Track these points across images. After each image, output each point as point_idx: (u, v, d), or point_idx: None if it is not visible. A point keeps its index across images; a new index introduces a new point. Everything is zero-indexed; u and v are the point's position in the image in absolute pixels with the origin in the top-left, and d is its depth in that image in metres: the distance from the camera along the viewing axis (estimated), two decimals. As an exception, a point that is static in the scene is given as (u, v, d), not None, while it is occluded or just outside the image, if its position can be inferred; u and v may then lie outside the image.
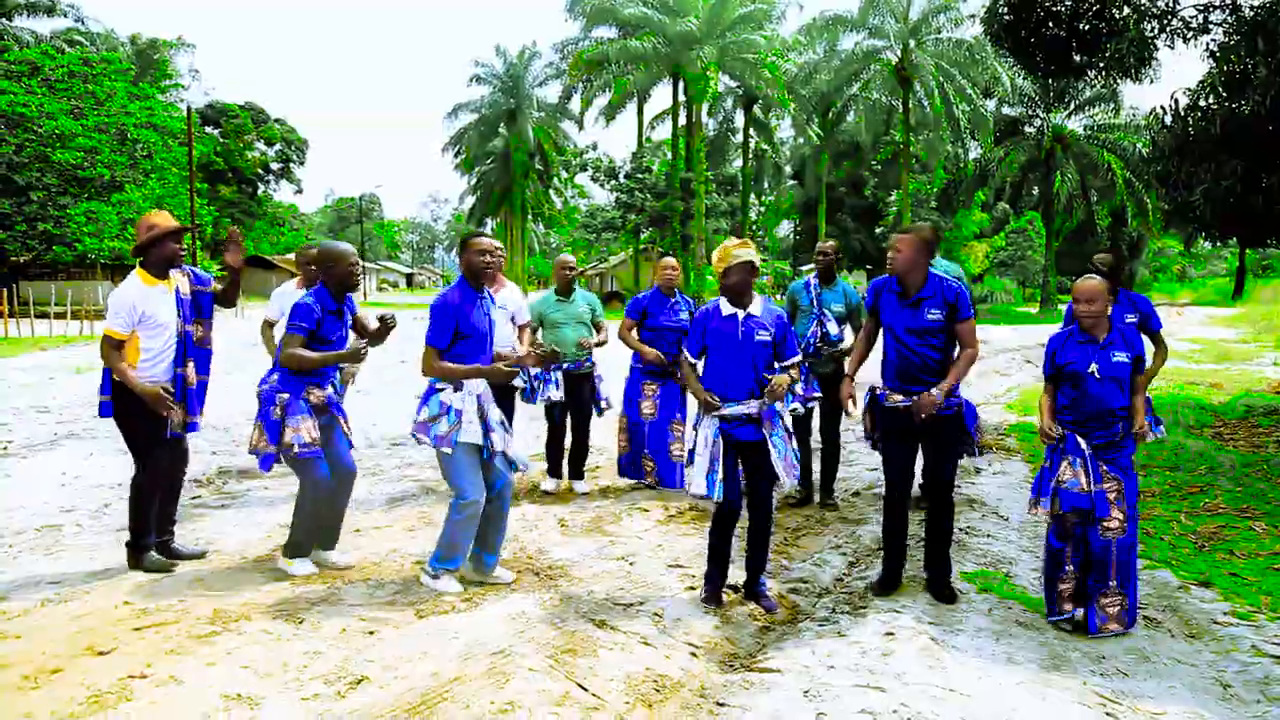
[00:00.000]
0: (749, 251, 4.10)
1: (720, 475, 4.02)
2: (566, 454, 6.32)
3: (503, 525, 4.37)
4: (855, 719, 3.05)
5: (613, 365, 7.04)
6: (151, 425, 4.34)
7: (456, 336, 4.11)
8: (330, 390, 4.50)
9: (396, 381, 11.95)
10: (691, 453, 4.11)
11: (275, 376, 4.33)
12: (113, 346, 4.26)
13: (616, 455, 6.29)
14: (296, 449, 4.21)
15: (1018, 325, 28.24)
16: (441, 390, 4.14)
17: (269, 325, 6.03)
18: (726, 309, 4.12)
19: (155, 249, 4.39)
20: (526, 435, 7.60)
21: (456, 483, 4.13)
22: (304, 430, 4.23)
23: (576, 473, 6.32)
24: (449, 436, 4.06)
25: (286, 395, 4.27)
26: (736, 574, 4.31)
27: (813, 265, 6.05)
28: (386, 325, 4.45)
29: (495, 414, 4.25)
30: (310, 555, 4.49)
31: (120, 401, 4.32)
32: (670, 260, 6.21)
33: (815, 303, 5.76)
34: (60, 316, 22.66)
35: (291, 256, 46.11)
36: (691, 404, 6.11)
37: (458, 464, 4.10)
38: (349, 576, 4.39)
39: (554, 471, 6.29)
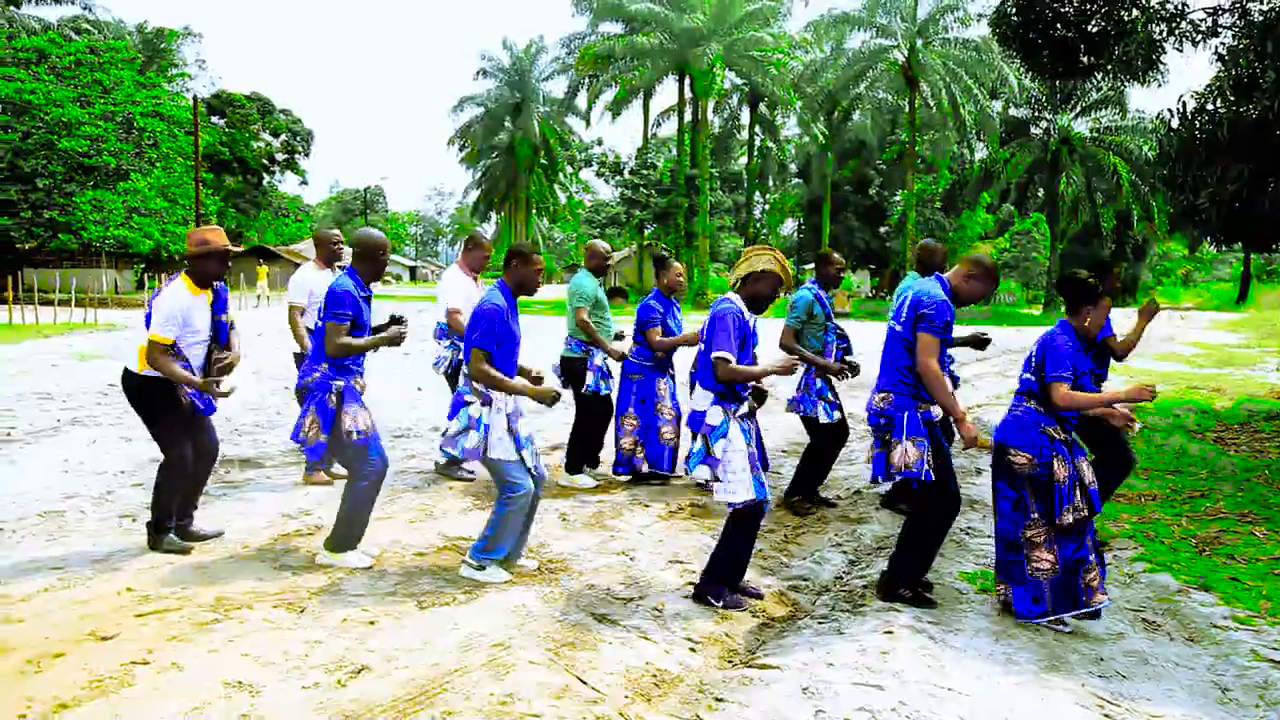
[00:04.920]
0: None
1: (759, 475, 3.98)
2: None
3: (531, 521, 4.42)
4: (854, 716, 3.04)
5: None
6: (174, 415, 4.45)
7: (500, 347, 4.14)
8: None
9: (399, 374, 11.95)
10: (709, 459, 3.91)
11: (325, 365, 4.30)
12: (161, 351, 4.30)
13: (616, 454, 6.26)
14: (355, 436, 4.24)
15: (1021, 327, 28.19)
16: (470, 404, 4.15)
17: (298, 311, 6.01)
18: (746, 311, 4.06)
19: (201, 263, 4.45)
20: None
21: (507, 479, 4.16)
22: (360, 419, 4.28)
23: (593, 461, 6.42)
24: (476, 450, 4.10)
25: (342, 383, 4.28)
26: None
27: (813, 269, 6.02)
28: (400, 330, 4.39)
29: (525, 430, 4.27)
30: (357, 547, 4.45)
31: (145, 392, 4.41)
32: (680, 266, 6.36)
33: (827, 315, 5.73)
34: (64, 304, 22.55)
35: (295, 248, 45.72)
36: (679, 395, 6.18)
37: (503, 465, 4.15)
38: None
39: (593, 463, 6.37)
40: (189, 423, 4.55)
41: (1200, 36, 8.76)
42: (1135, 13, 8.67)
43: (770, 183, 50.00)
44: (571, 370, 6.23)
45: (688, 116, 37.17)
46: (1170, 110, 8.94)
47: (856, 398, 10.09)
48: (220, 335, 4.58)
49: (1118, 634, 3.90)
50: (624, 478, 6.30)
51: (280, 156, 51.66)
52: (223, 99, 48.12)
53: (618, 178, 40.75)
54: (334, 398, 4.26)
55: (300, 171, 52.51)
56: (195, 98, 31.58)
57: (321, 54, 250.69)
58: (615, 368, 6.37)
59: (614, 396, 6.29)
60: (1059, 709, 3.20)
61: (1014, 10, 9.19)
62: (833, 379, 5.74)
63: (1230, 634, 3.91)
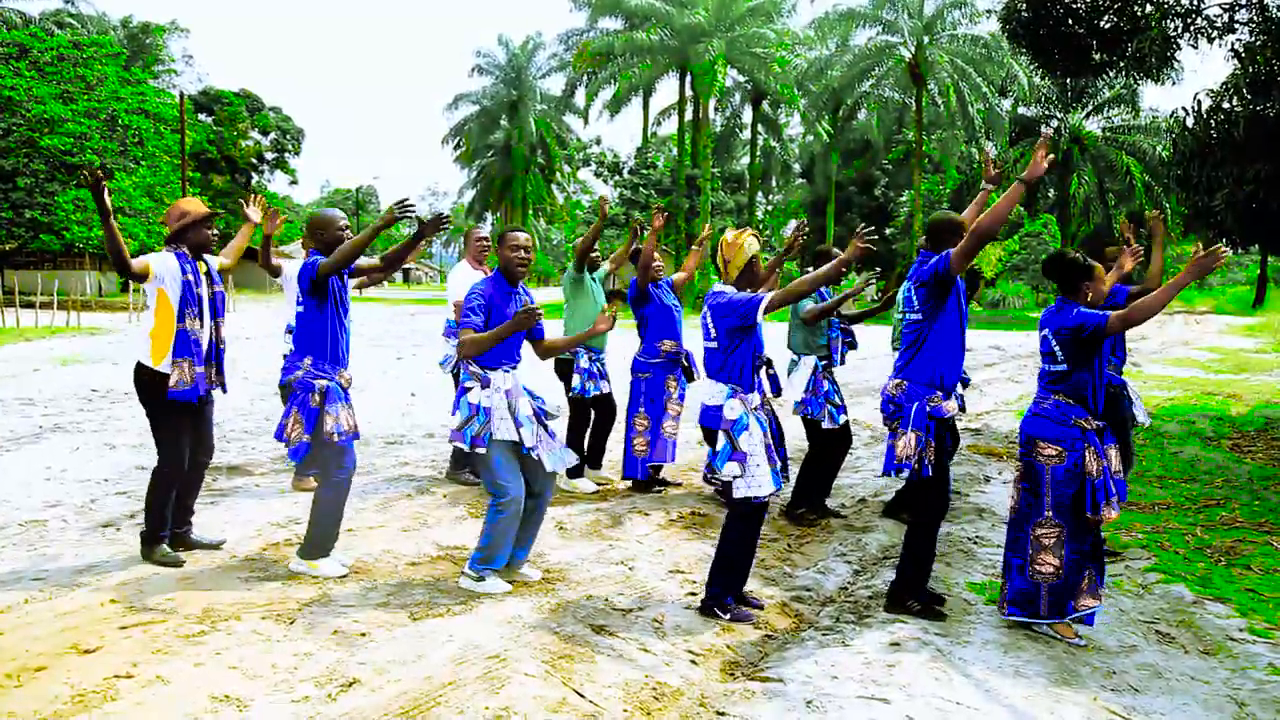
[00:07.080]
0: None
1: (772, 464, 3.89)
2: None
3: (538, 523, 4.34)
4: (858, 734, 2.97)
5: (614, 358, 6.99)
6: (182, 413, 4.35)
7: (487, 325, 4.06)
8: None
9: (393, 379, 11.89)
10: (736, 454, 3.81)
11: (307, 360, 4.22)
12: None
13: (624, 455, 6.15)
14: (337, 437, 4.14)
15: (1030, 331, 27.98)
16: (470, 389, 4.08)
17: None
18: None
19: (188, 235, 4.39)
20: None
21: (495, 481, 4.09)
22: (343, 418, 4.18)
23: (596, 463, 6.37)
24: (482, 436, 4.03)
25: (325, 382, 4.19)
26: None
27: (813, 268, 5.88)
28: (438, 220, 4.25)
29: (525, 409, 4.19)
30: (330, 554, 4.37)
31: (159, 387, 4.29)
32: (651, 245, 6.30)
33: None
34: (46, 306, 21.92)
35: (285, 249, 45.12)
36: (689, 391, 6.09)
37: (494, 462, 4.07)
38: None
39: (594, 463, 6.33)
40: (194, 421, 4.46)
41: (1216, 33, 8.63)
42: (1149, 8, 8.55)
43: (773, 183, 49.73)
44: (561, 372, 6.22)
45: (688, 115, 36.86)
46: (1185, 109, 8.86)
47: (860, 404, 10.01)
48: (218, 308, 4.51)
49: (1130, 647, 3.81)
50: (629, 481, 6.20)
51: (270, 155, 50.43)
52: (210, 96, 46.99)
53: (616, 178, 40.47)
54: (316, 397, 4.17)
55: (290, 170, 51.41)
56: (182, 94, 31.11)
57: (312, 49, 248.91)
58: (612, 368, 6.30)
59: (607, 397, 6.23)
60: (1071, 727, 3.11)
61: (1024, 6, 9.07)
62: (839, 388, 5.61)
63: (1247, 647, 3.82)
